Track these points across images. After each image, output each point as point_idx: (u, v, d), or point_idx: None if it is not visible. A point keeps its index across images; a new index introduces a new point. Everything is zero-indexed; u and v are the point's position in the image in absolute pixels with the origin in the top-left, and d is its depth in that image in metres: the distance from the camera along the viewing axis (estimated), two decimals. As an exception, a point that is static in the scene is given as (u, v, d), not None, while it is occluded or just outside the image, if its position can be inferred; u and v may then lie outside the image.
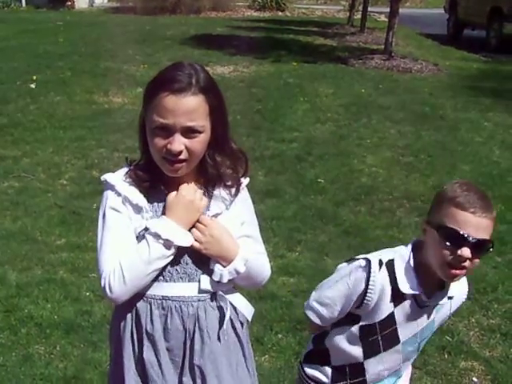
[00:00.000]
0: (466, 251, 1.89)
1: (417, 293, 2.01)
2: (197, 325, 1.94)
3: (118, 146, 6.42)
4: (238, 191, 2.02)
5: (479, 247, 1.90)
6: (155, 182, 1.94)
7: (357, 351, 2.11)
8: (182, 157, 1.84)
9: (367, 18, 17.27)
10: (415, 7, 27.64)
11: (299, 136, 7.53)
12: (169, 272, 1.93)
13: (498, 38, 15.14)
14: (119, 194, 1.92)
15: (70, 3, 21.77)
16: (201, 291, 1.95)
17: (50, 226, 5.04)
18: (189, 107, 1.80)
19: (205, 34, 14.74)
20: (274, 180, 6.10)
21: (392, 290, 2.02)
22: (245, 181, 2.05)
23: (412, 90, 9.91)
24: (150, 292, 1.94)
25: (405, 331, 2.07)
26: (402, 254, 2.06)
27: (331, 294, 2.14)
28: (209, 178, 1.98)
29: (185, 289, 1.94)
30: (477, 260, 1.94)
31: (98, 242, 1.91)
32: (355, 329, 2.10)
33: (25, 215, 5.21)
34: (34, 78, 9.25)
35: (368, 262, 2.05)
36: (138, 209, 1.91)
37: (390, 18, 12.45)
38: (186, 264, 1.94)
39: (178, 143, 1.82)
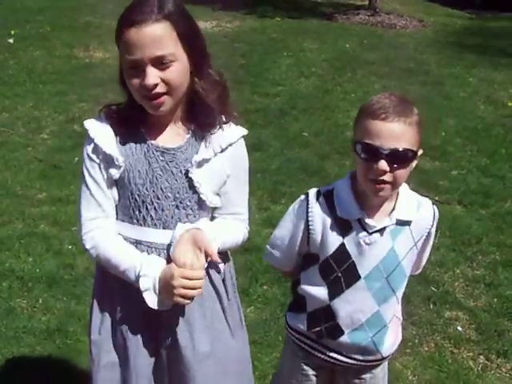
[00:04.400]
0: (381, 164, 1.79)
1: (359, 217, 1.93)
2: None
3: (100, 101, 6.11)
4: (230, 131, 1.93)
5: (396, 158, 1.80)
6: (135, 124, 1.87)
7: (323, 292, 2.01)
8: (159, 90, 1.76)
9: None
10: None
11: (283, 90, 7.43)
12: (143, 217, 1.87)
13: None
14: (91, 141, 1.85)
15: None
16: (173, 239, 1.87)
17: (31, 179, 4.96)
18: (152, 36, 1.71)
19: (187, -12, 14.46)
20: (258, 134, 6.02)
21: (334, 218, 1.95)
22: (240, 132, 1.96)
23: (397, 46, 9.80)
24: (123, 233, 1.91)
25: (363, 264, 1.96)
26: (341, 183, 1.99)
27: (279, 234, 2.10)
28: (197, 116, 1.88)
29: (158, 235, 1.88)
30: (401, 171, 1.83)
31: (79, 191, 1.90)
32: (316, 271, 2.02)
33: (4, 169, 5.12)
34: (12, 32, 8.99)
35: (306, 194, 2.01)
36: (108, 157, 1.84)
37: (374, -27, 12.26)
38: (162, 211, 1.87)
39: (152, 76, 1.73)
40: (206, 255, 1.80)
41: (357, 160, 1.88)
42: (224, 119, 1.93)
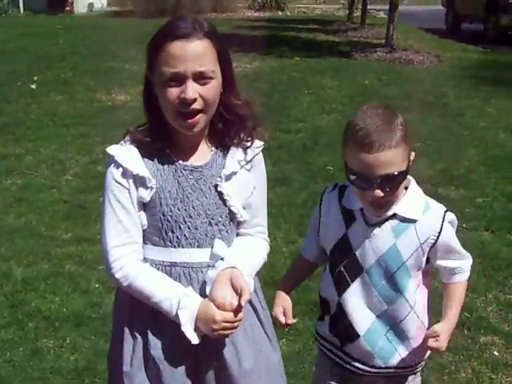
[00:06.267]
0: (376, 192, 1.84)
1: (360, 207, 1.95)
2: (207, 291, 1.86)
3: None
4: (252, 145, 1.95)
5: (388, 182, 1.83)
6: (161, 146, 1.87)
7: (332, 289, 2.04)
8: (196, 106, 1.77)
9: (367, 14, 17.25)
10: (412, 5, 27.59)
11: (305, 126, 7.48)
12: (177, 237, 1.86)
13: (496, 30, 15.23)
14: (119, 166, 1.84)
15: (68, 8, 21.80)
16: (212, 257, 1.88)
17: (56, 220, 4.97)
18: (197, 51, 1.76)
19: (205, 33, 14.67)
20: (283, 169, 6.03)
21: (341, 208, 2.01)
22: (260, 144, 1.99)
23: (415, 81, 9.83)
24: (156, 258, 1.88)
25: (365, 256, 1.96)
26: None
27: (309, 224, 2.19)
28: (220, 134, 1.91)
29: (193, 255, 1.87)
30: (398, 189, 1.87)
31: (102, 218, 1.87)
32: (327, 267, 2.08)
33: (29, 211, 5.14)
34: (35, 78, 9.18)
35: (327, 186, 2.11)
36: (139, 179, 1.83)
37: (390, 11, 12.45)
38: (196, 229, 1.86)
39: (192, 90, 1.75)
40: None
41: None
42: (248, 135, 1.95)
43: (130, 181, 1.83)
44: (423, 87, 9.36)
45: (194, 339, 1.81)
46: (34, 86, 8.91)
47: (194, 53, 1.75)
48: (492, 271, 4.19)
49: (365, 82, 9.62)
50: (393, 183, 1.85)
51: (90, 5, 23.96)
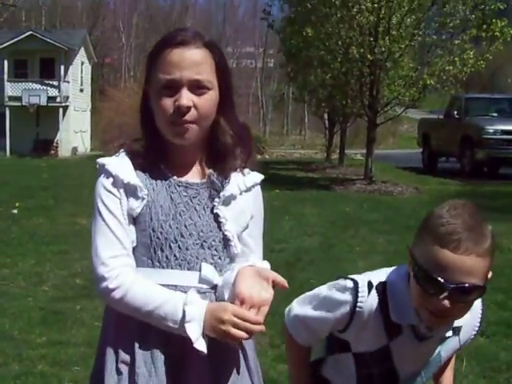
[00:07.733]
0: (444, 303, 1.53)
1: (413, 323, 1.67)
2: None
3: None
4: (252, 172, 1.85)
5: (462, 294, 1.52)
6: (154, 159, 1.76)
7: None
8: (190, 117, 1.69)
9: (344, 156, 17.87)
10: (388, 148, 28.69)
11: (288, 246, 7.46)
12: (166, 256, 1.71)
13: (471, 165, 15.73)
14: (110, 175, 1.73)
15: (53, 152, 22.32)
16: (201, 281, 1.72)
17: (30, 325, 4.74)
18: (195, 59, 1.70)
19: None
20: (265, 283, 5.88)
21: (385, 320, 1.69)
22: (261, 176, 1.89)
23: (396, 208, 9.98)
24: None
25: (405, 368, 1.75)
26: (396, 278, 1.72)
27: (312, 315, 1.85)
28: (219, 156, 1.80)
29: (182, 277, 1.71)
30: (467, 308, 1.58)
31: (93, 231, 1.74)
32: (349, 358, 1.78)
33: (2, 316, 4.93)
34: (17, 204, 9.20)
35: (355, 284, 1.72)
36: (131, 188, 1.72)
37: (367, 145, 12.83)
38: (186, 250, 1.72)
39: (187, 98, 1.67)
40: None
41: (412, 281, 1.62)
42: (243, 163, 1.84)
43: (121, 190, 1.72)
44: (404, 213, 9.48)
45: (200, 344, 1.61)
46: (15, 211, 8.93)
47: (191, 60, 1.70)
48: (492, 373, 4.00)
49: (346, 209, 9.75)
50: (466, 297, 1.54)
51: (74, 148, 24.61)
